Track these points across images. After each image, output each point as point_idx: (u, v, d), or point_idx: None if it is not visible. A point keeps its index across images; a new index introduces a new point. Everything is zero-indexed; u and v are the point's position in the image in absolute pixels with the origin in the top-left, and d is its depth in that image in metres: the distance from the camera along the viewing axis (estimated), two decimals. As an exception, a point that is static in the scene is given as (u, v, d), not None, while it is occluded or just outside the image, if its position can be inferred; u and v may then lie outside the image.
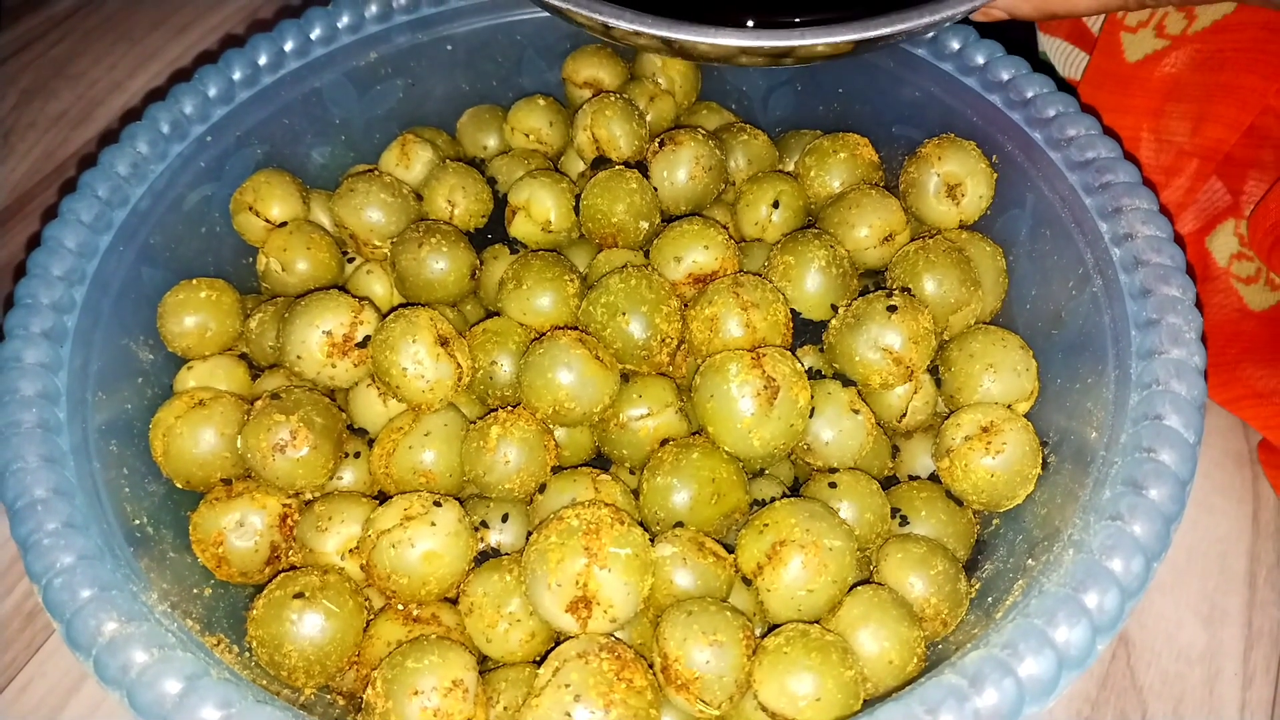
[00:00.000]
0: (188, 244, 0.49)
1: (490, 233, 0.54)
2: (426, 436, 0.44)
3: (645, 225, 0.50)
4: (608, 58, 0.57)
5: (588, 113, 0.53)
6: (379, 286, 0.50)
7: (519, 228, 0.51)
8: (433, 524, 0.40)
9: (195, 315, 0.47)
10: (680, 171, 0.51)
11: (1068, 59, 0.58)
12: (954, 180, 0.48)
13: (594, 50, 0.57)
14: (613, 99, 0.53)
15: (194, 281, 0.47)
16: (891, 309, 0.43)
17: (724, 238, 0.48)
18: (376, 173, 0.52)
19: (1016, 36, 0.56)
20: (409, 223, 0.51)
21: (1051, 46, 0.59)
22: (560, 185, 0.51)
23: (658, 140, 0.52)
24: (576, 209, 0.51)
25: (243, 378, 0.47)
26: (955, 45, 0.49)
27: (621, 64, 0.58)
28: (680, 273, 0.47)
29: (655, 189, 0.51)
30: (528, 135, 0.56)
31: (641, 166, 0.52)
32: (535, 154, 0.56)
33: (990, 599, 0.38)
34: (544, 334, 0.45)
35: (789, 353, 0.44)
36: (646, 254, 0.49)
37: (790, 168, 0.56)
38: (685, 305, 0.47)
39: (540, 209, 0.50)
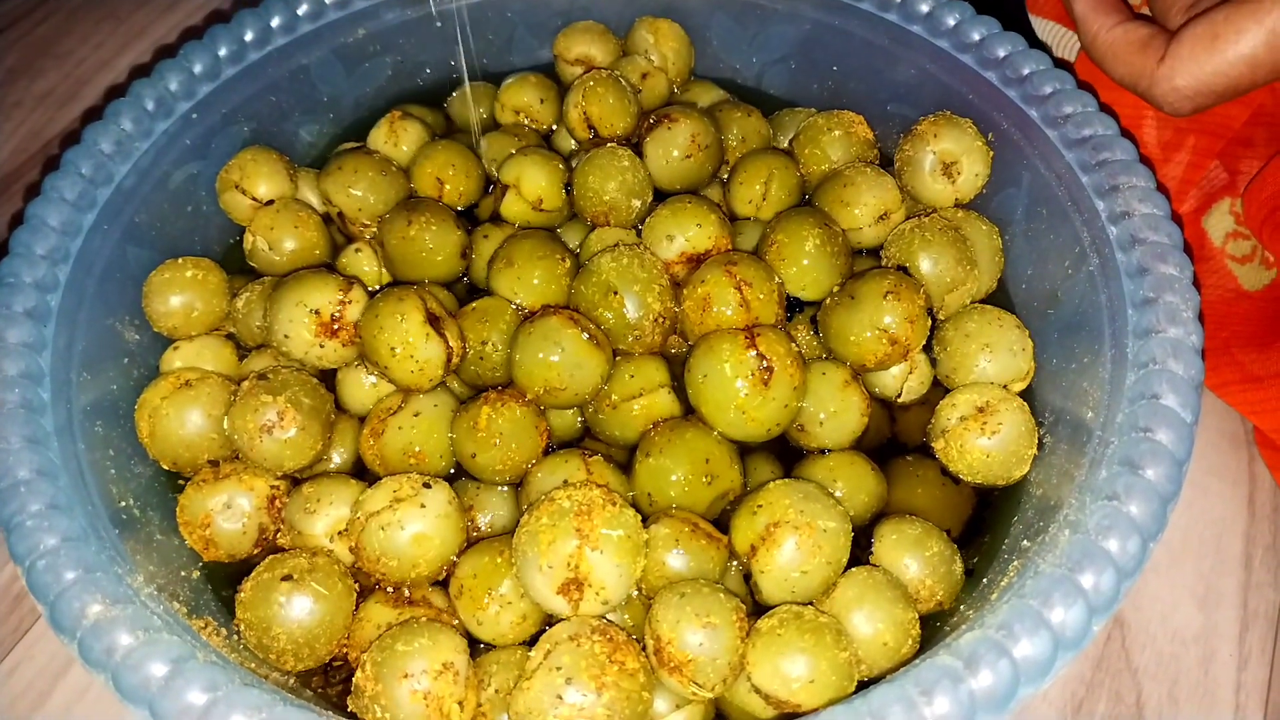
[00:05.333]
0: (174, 223, 0.48)
1: (480, 211, 0.53)
2: (416, 417, 0.43)
3: (637, 203, 0.49)
4: (600, 34, 0.57)
5: (579, 90, 0.52)
6: (368, 265, 0.49)
7: (510, 207, 0.50)
8: (422, 506, 0.39)
9: (181, 294, 0.46)
10: (675, 150, 0.50)
11: (1060, 41, 0.58)
12: (950, 158, 0.48)
13: (586, 27, 0.57)
14: (605, 76, 0.53)
15: (180, 260, 0.47)
16: (888, 292, 0.43)
17: (717, 216, 0.47)
18: (365, 150, 0.52)
19: (1014, 14, 0.55)
20: (398, 200, 0.50)
21: (1043, 29, 0.58)
22: (552, 163, 0.51)
23: (652, 118, 0.51)
24: (568, 188, 0.51)
25: (230, 358, 0.47)
26: (951, 21, 0.48)
27: (614, 40, 0.57)
28: (673, 251, 0.47)
29: (646, 167, 0.50)
30: (518, 112, 0.56)
31: (635, 145, 0.51)
32: (526, 131, 0.55)
33: (986, 580, 0.38)
34: (535, 313, 0.45)
35: (783, 332, 0.43)
36: (638, 232, 0.49)
37: (784, 145, 0.55)
38: (678, 285, 0.46)
39: (531, 187, 0.50)
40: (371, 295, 0.45)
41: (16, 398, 0.37)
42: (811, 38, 0.54)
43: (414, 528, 0.39)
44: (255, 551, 0.42)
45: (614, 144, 0.50)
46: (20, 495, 0.35)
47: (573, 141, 0.55)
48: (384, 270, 0.49)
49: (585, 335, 0.43)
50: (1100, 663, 0.46)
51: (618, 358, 0.45)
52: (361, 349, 0.44)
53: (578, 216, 0.51)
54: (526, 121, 0.56)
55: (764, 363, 0.41)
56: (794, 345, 0.43)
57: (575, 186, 0.50)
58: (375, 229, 0.50)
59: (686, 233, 0.47)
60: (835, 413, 0.44)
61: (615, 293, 0.44)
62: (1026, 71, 0.46)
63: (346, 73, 0.54)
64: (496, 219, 0.51)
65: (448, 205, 0.50)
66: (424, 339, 0.42)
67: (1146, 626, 0.47)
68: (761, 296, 0.44)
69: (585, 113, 0.52)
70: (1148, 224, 0.39)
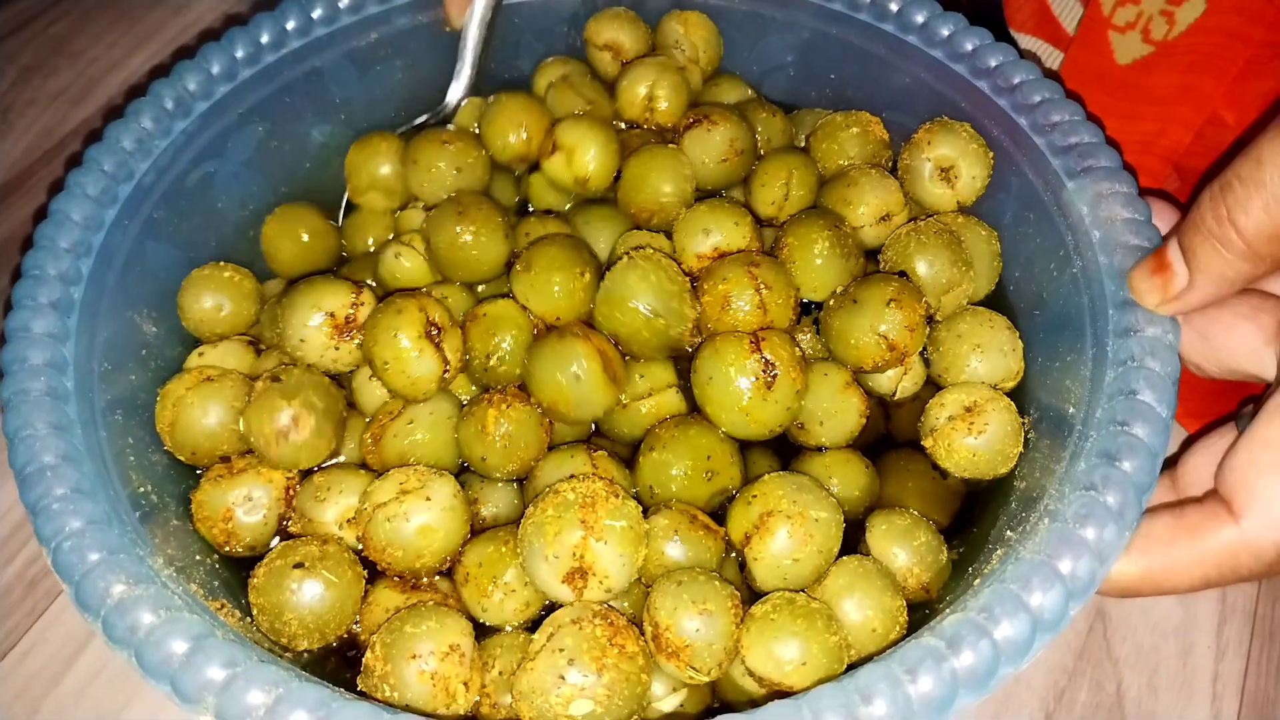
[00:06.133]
0: (191, 219, 0.49)
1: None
2: (410, 425, 0.44)
3: (683, 211, 0.49)
4: (629, 21, 0.57)
5: (652, 72, 0.53)
6: (409, 262, 0.49)
7: (554, 167, 0.50)
8: (428, 498, 0.40)
9: (215, 295, 0.48)
10: (713, 152, 0.51)
11: (1044, 60, 0.59)
12: (946, 163, 0.49)
13: (616, 13, 0.57)
14: (675, 68, 0.54)
15: (220, 264, 0.49)
16: (891, 299, 0.44)
17: (750, 218, 0.48)
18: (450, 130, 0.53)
19: (997, 30, 0.56)
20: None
21: (1026, 46, 0.59)
22: (612, 145, 0.50)
23: (691, 116, 0.52)
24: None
25: (252, 363, 0.48)
26: (945, 32, 0.49)
27: (644, 28, 0.57)
28: (707, 245, 0.47)
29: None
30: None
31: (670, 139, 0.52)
32: (591, 91, 0.55)
33: (970, 568, 0.39)
34: (565, 328, 0.44)
35: (787, 335, 0.44)
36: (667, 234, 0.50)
37: (800, 143, 0.56)
38: (696, 279, 0.47)
39: (583, 161, 0.50)
40: (381, 299, 0.46)
41: (42, 386, 0.38)
42: (810, 46, 0.55)
43: (419, 519, 0.40)
44: (276, 542, 0.43)
45: (670, 144, 0.51)
46: (46, 480, 0.36)
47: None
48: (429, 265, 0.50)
49: (607, 373, 0.43)
50: (1082, 653, 0.47)
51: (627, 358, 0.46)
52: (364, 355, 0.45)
53: (613, 202, 0.52)
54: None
55: (768, 367, 0.42)
56: (797, 349, 0.44)
57: (630, 178, 0.50)
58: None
59: (724, 229, 0.47)
60: (834, 413, 0.45)
61: (658, 317, 0.44)
62: (1016, 80, 0.47)
63: (359, 75, 0.55)
64: (534, 169, 0.52)
65: (498, 207, 0.49)
66: (415, 355, 0.43)
67: (1127, 618, 0.48)
68: (779, 301, 0.45)
69: (652, 94, 0.53)
70: (1129, 229, 0.40)
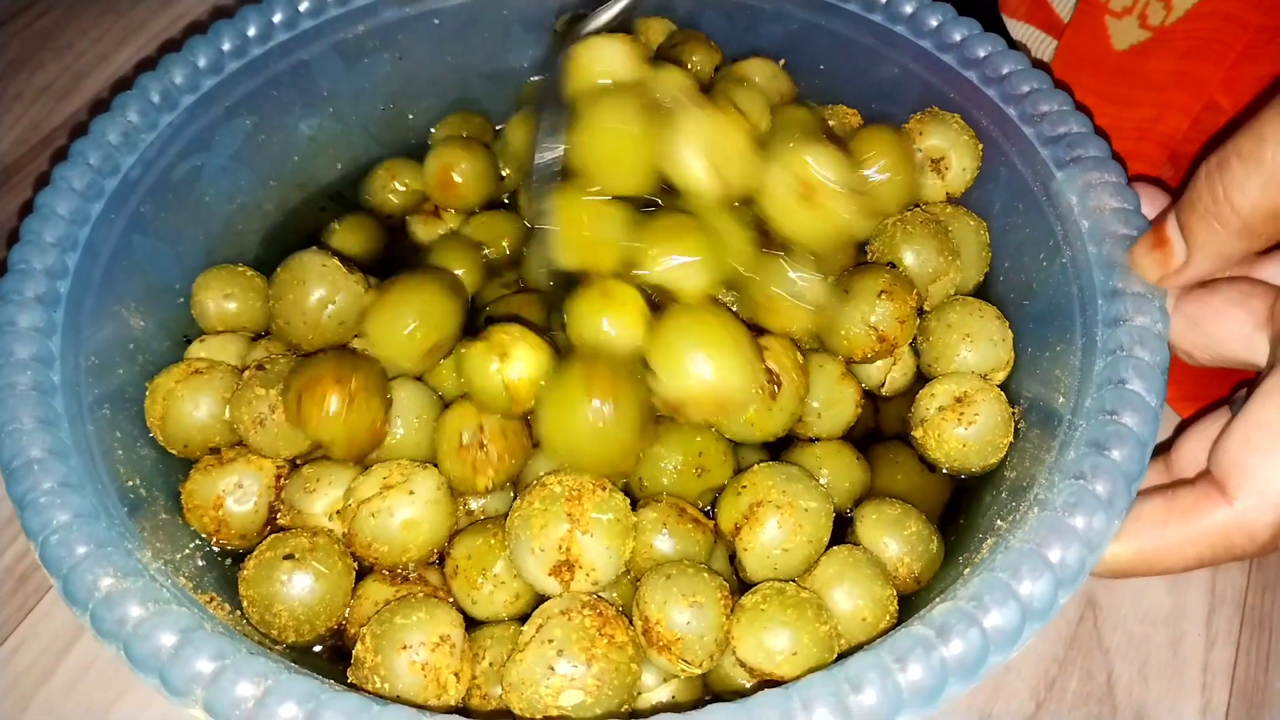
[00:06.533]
0: (178, 213, 0.49)
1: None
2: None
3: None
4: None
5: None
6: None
7: None
8: (411, 492, 0.40)
9: (227, 289, 0.48)
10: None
11: (1037, 47, 0.59)
12: (937, 154, 0.49)
13: None
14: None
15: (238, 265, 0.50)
16: (882, 290, 0.44)
17: None
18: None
19: (993, 15, 0.56)
20: None
21: (1015, 30, 0.59)
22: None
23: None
24: None
25: (244, 355, 0.47)
26: (934, 22, 0.49)
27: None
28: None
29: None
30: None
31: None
32: None
33: (961, 558, 0.39)
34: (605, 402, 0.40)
35: (788, 340, 0.44)
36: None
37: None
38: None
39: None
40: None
41: (29, 380, 0.38)
42: (799, 37, 0.55)
43: (403, 514, 0.40)
44: (266, 531, 0.43)
45: None
46: (34, 473, 0.36)
47: None
48: None
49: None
50: (1073, 642, 0.47)
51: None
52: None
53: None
54: None
55: (771, 378, 0.42)
56: (798, 353, 0.44)
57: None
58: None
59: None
60: (832, 404, 0.45)
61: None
62: (1005, 71, 0.47)
63: (346, 68, 0.55)
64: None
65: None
66: (330, 416, 0.41)
67: (1118, 608, 0.48)
68: None
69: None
70: (1118, 218, 0.40)
